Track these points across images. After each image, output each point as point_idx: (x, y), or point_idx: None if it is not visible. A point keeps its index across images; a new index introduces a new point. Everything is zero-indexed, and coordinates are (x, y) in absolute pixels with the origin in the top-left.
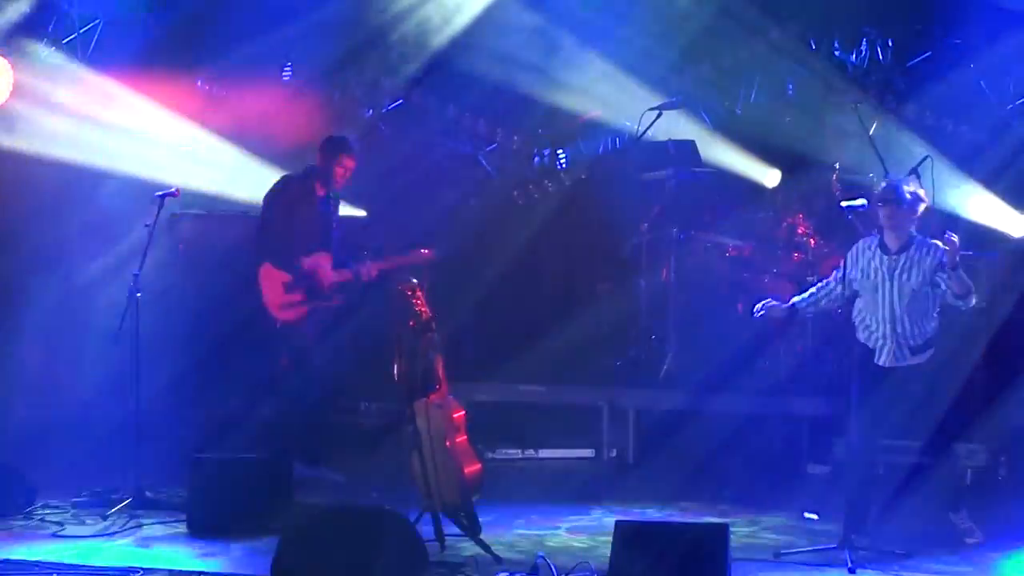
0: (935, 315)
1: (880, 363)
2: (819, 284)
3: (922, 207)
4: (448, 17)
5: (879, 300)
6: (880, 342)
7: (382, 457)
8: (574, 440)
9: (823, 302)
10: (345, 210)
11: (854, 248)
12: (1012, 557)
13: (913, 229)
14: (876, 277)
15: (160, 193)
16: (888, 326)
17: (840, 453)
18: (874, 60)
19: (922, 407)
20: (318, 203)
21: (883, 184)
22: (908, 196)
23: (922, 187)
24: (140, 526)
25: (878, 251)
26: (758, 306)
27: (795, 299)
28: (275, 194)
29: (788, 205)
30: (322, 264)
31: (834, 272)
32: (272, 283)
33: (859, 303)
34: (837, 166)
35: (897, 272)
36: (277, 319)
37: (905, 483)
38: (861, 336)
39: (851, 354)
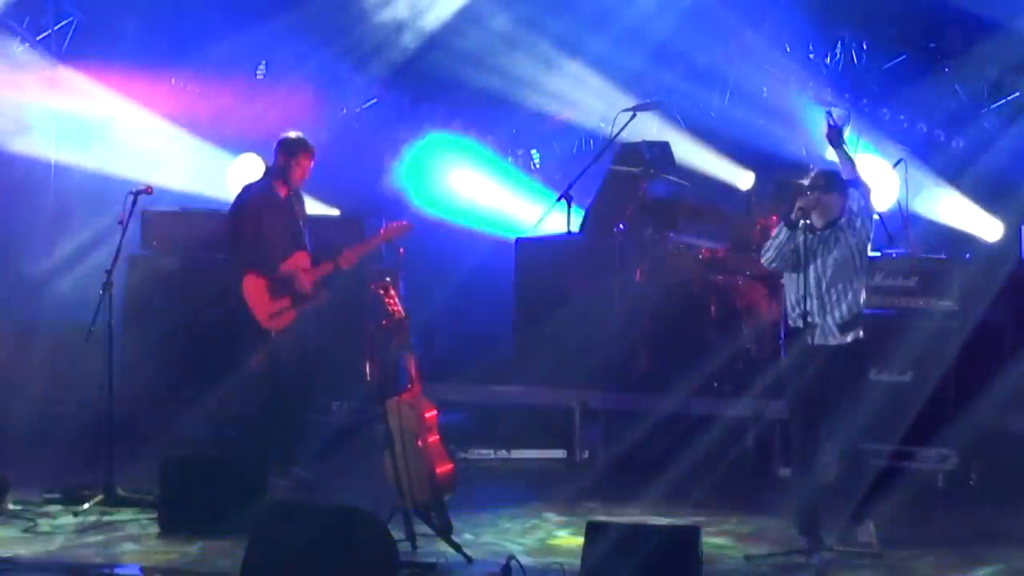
0: (859, 291)
1: (811, 342)
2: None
3: (850, 201)
4: (422, 18)
5: (808, 275)
6: (804, 319)
7: (354, 456)
8: (546, 441)
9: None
10: (318, 208)
11: (776, 230)
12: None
13: (838, 216)
14: (804, 253)
15: (133, 191)
16: (815, 301)
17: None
18: (849, 62)
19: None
20: (283, 204)
21: (816, 171)
22: (840, 186)
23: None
24: (111, 523)
25: (804, 231)
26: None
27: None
28: (240, 204)
29: (762, 207)
30: (301, 264)
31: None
32: (257, 293)
33: (788, 286)
34: (812, 168)
35: (822, 246)
36: (269, 329)
37: (876, 485)
38: (791, 319)
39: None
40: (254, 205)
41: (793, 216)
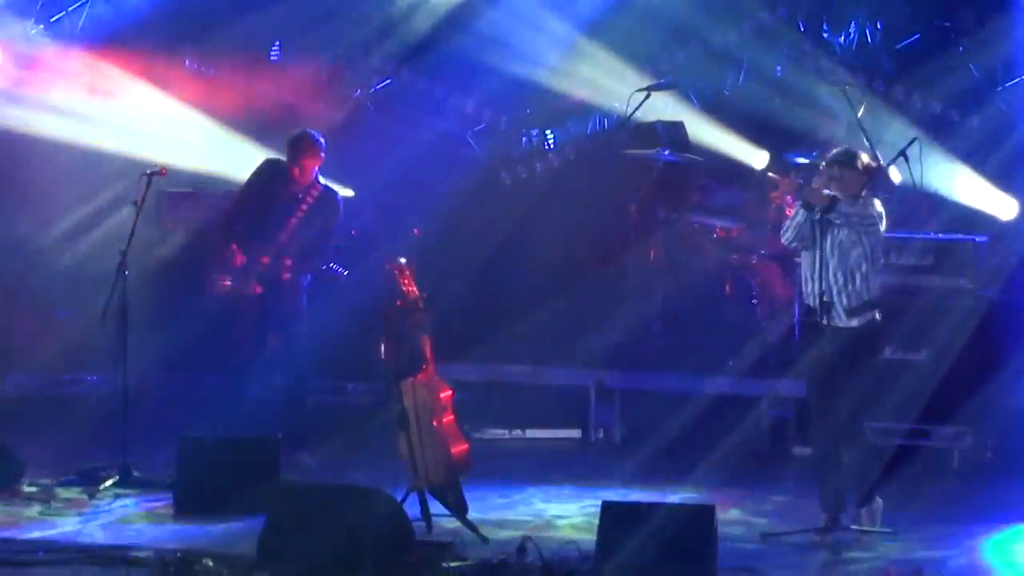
0: (872, 277)
1: (821, 321)
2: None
3: (867, 180)
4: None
5: (816, 255)
6: (818, 299)
7: (369, 437)
8: (561, 421)
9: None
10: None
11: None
12: (998, 537)
13: (858, 195)
14: (816, 231)
15: (148, 172)
16: (824, 282)
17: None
18: (863, 42)
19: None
20: (284, 196)
21: (837, 149)
22: (860, 164)
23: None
24: (127, 504)
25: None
26: None
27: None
28: (255, 172)
29: (776, 186)
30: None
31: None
32: (223, 256)
33: (804, 264)
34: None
35: (832, 227)
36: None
37: (891, 464)
38: (805, 296)
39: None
40: (261, 179)
41: (813, 199)
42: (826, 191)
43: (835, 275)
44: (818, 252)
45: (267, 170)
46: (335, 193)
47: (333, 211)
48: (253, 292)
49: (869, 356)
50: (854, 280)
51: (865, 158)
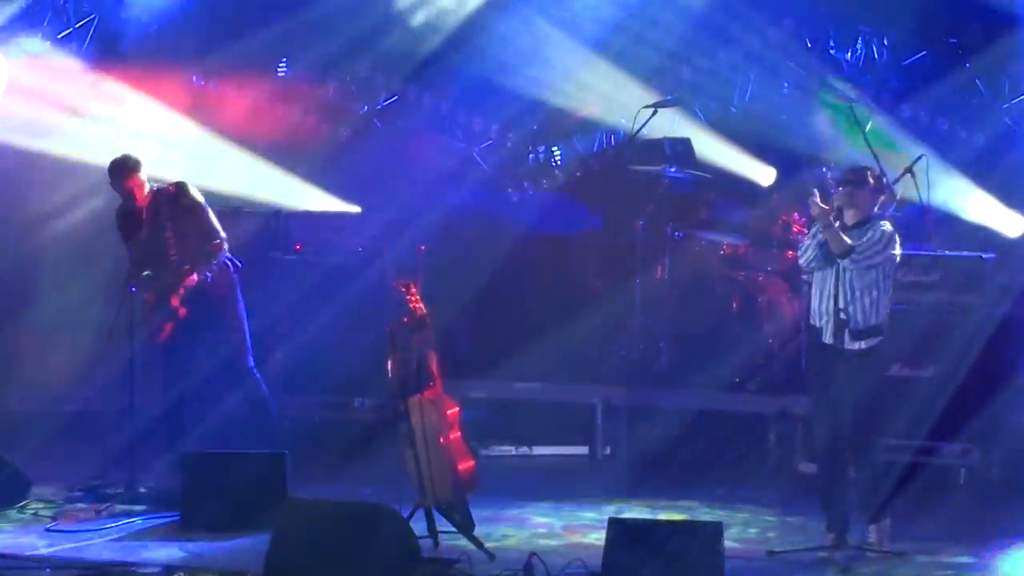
0: (882, 301)
1: (825, 341)
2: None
3: (882, 198)
4: (443, 14)
5: (827, 275)
6: (824, 319)
7: (376, 453)
8: (568, 437)
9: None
10: (340, 206)
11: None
12: (1006, 554)
13: (872, 212)
14: (827, 252)
15: (154, 188)
16: (832, 302)
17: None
18: (870, 59)
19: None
20: (143, 224)
21: (848, 167)
22: (871, 180)
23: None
24: (133, 521)
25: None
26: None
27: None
28: (118, 224)
29: (783, 203)
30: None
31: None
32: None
33: (815, 283)
34: (833, 164)
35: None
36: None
37: (899, 481)
38: (813, 317)
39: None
40: (119, 224)
41: (832, 213)
42: (845, 240)
43: (846, 298)
44: (831, 275)
45: (121, 216)
46: (175, 184)
47: (181, 199)
48: (179, 315)
49: (873, 378)
50: (864, 304)
51: (875, 173)
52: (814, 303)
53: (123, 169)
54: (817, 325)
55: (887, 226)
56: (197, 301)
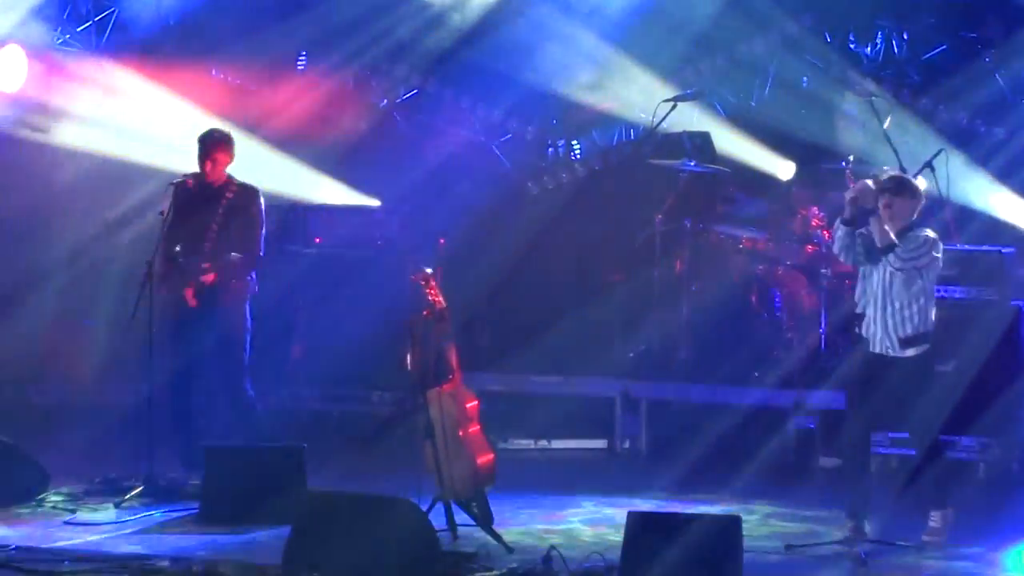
0: (929, 308)
1: (873, 351)
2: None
3: (920, 204)
4: (463, 8)
5: (872, 286)
6: (872, 328)
7: (395, 446)
8: (587, 431)
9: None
10: (359, 199)
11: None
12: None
13: (911, 220)
14: (870, 247)
15: (173, 181)
16: (879, 312)
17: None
18: (889, 53)
19: (931, 402)
20: (201, 207)
21: (888, 174)
22: (911, 190)
23: (926, 182)
24: (152, 513)
25: (849, 225)
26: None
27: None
28: (170, 199)
29: (802, 197)
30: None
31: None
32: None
33: (859, 291)
34: (851, 158)
35: (889, 256)
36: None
37: (915, 476)
38: (861, 326)
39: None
40: (171, 198)
41: (847, 214)
42: (890, 233)
43: (892, 303)
44: (879, 284)
45: (178, 193)
46: (252, 188)
47: (250, 204)
48: (189, 303)
49: (925, 382)
50: (912, 311)
51: (919, 184)
52: (862, 311)
53: (220, 140)
54: (865, 335)
55: (930, 232)
56: (210, 300)
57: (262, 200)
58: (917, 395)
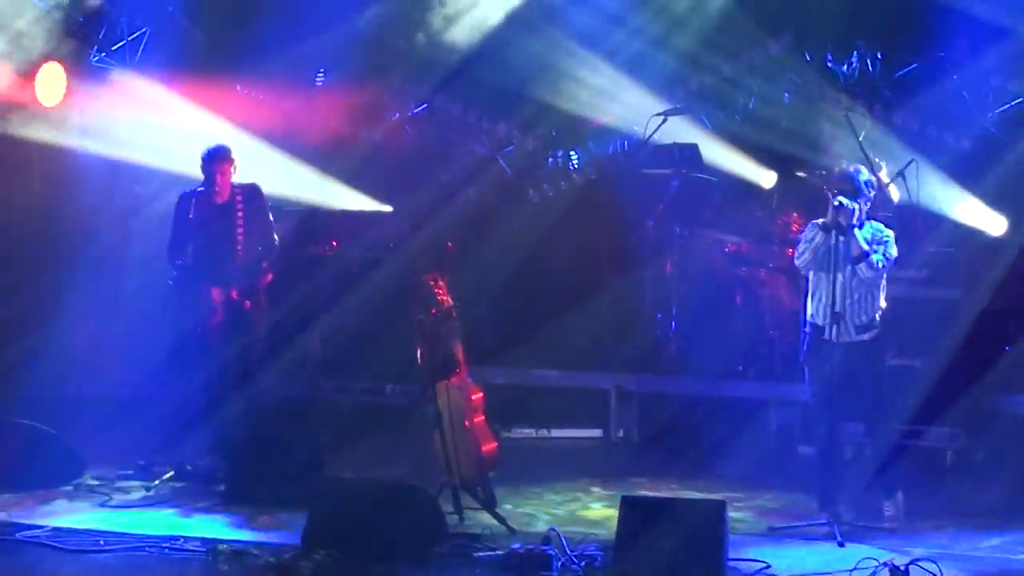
0: (881, 296)
1: (829, 338)
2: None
3: (872, 193)
4: (469, 28)
5: (828, 277)
6: (828, 317)
7: (406, 435)
8: (584, 421)
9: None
10: (372, 205)
11: (808, 227)
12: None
13: (863, 215)
14: (832, 253)
15: (201, 188)
16: (832, 301)
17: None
18: (864, 71)
19: (882, 391)
20: (215, 218)
21: (837, 172)
22: (863, 184)
23: (898, 191)
24: (181, 497)
25: (834, 233)
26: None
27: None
28: (178, 209)
29: (783, 204)
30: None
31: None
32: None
33: (812, 281)
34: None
35: (844, 250)
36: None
37: (889, 462)
38: (812, 311)
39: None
40: (178, 208)
41: (828, 220)
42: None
43: (851, 294)
44: (835, 272)
45: (185, 202)
46: (254, 185)
47: (258, 200)
48: (214, 302)
49: (877, 366)
50: (866, 301)
51: (865, 176)
52: (813, 302)
53: (220, 155)
54: (820, 323)
55: (887, 231)
56: (238, 299)
57: (263, 192)
58: (869, 378)
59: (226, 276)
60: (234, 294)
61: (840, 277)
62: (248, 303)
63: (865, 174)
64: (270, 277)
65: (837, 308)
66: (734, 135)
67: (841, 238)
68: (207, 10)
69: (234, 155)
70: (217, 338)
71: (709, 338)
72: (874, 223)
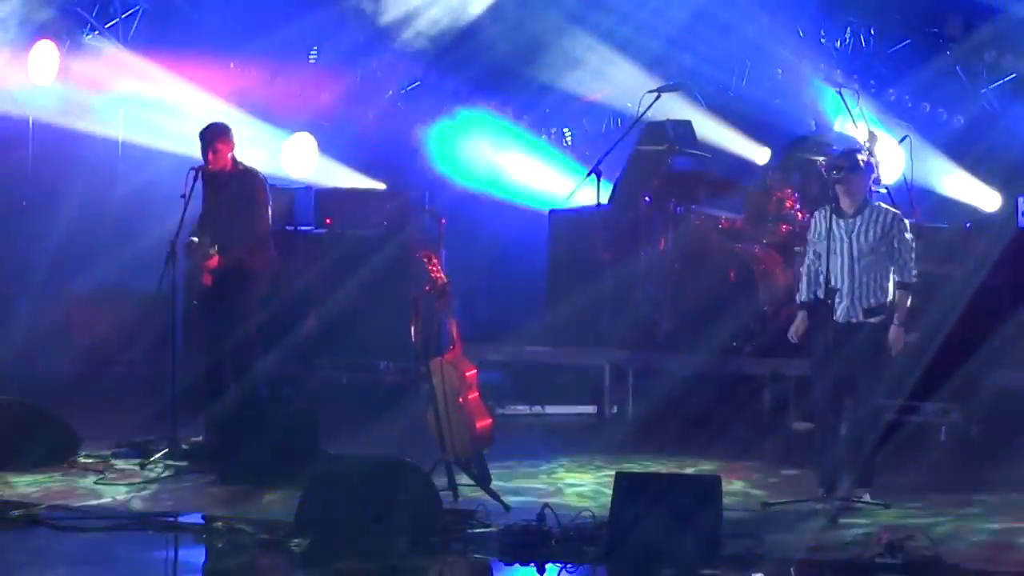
0: (889, 280)
1: (837, 319)
2: (804, 271)
3: (874, 175)
4: (461, 6)
5: (838, 260)
6: (837, 299)
7: (400, 412)
8: (578, 398)
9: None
10: (366, 182)
11: (812, 222)
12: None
13: (867, 193)
14: (835, 241)
15: (195, 167)
16: (846, 283)
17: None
18: (858, 47)
19: (879, 374)
20: (214, 191)
21: (838, 153)
22: (862, 164)
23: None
24: (175, 475)
25: (834, 216)
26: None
27: (801, 298)
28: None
29: (777, 181)
30: None
31: (808, 256)
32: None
33: (823, 263)
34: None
35: (854, 233)
36: None
37: (885, 438)
38: (820, 292)
39: (813, 314)
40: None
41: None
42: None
43: (861, 279)
44: (845, 258)
45: (195, 177)
46: (253, 171)
47: (252, 188)
48: (205, 282)
49: (879, 350)
50: (876, 281)
51: (864, 155)
52: (812, 276)
53: (218, 132)
54: (818, 297)
55: (895, 212)
56: (225, 279)
57: (264, 181)
58: (873, 360)
59: (201, 256)
60: (213, 262)
61: (847, 254)
62: (207, 278)
63: (863, 152)
64: (215, 261)
65: (833, 283)
66: (728, 111)
67: (842, 220)
68: None
69: (231, 135)
70: (201, 317)
71: (703, 315)
72: (881, 204)
